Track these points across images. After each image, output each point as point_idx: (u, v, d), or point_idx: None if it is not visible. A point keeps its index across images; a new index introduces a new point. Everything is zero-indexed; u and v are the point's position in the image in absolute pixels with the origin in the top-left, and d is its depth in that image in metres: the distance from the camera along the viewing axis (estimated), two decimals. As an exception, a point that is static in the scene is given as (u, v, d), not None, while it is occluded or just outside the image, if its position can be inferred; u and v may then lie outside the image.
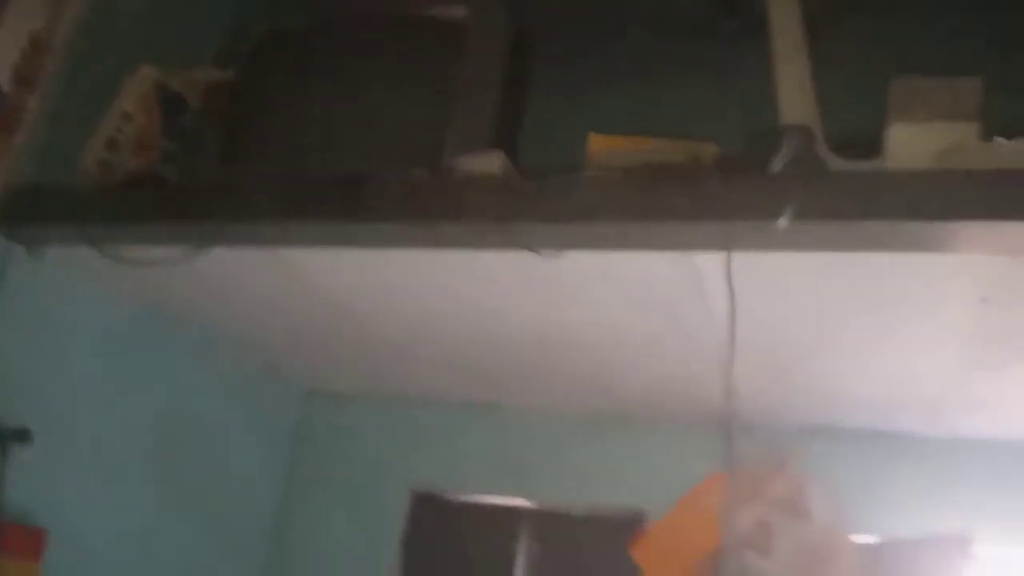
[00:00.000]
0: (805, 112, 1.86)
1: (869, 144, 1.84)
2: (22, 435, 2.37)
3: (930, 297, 2.09)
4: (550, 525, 3.94)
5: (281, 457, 4.18)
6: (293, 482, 4.18)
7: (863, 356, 2.67)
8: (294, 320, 3.05)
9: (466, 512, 4.03)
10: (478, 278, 2.33)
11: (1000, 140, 1.71)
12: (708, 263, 1.84)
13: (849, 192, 1.64)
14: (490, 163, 1.88)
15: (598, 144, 1.90)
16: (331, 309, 2.84)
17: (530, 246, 1.79)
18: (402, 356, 3.43)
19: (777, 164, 1.71)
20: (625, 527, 3.69)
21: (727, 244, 1.65)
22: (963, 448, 3.41)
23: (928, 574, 3.05)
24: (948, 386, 2.84)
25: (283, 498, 4.16)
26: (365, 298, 2.69)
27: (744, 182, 1.64)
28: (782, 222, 1.58)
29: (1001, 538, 3.22)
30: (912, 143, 1.75)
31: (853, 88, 2.31)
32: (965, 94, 1.77)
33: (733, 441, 3.53)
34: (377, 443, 4.17)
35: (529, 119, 2.30)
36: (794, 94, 1.97)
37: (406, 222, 1.86)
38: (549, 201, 1.78)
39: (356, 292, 2.64)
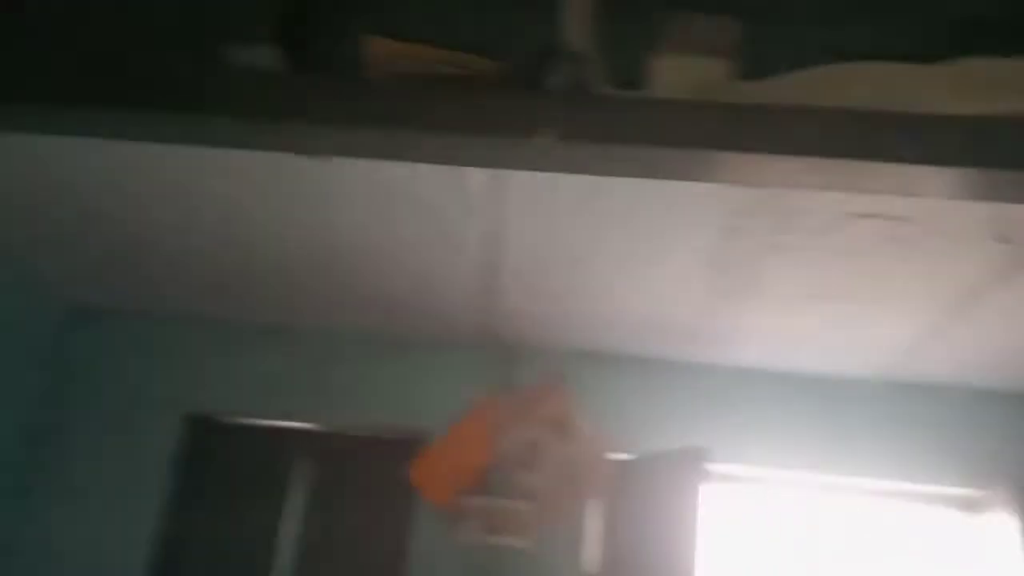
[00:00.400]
0: (582, 37, 1.91)
1: (641, 77, 1.93)
2: None
3: (681, 225, 2.25)
4: (329, 447, 3.95)
5: (36, 377, 3.89)
6: (51, 404, 3.90)
7: (624, 282, 2.84)
8: (43, 225, 2.81)
9: (243, 435, 3.95)
10: (245, 181, 2.24)
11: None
12: (477, 179, 1.87)
13: (611, 117, 1.71)
14: (263, 57, 1.79)
15: (378, 49, 1.86)
16: (84, 212, 2.64)
17: (300, 149, 1.74)
18: (171, 273, 3.26)
19: (549, 85, 1.75)
20: (404, 448, 3.77)
21: (494, 160, 1.68)
22: (709, 374, 3.75)
23: (669, 485, 3.34)
24: (698, 315, 3.10)
25: (40, 421, 3.88)
26: (122, 201, 2.52)
27: (513, 100, 1.67)
28: (544, 141, 1.63)
29: (733, 454, 3.59)
30: (674, 75, 1.85)
31: (632, 21, 2.39)
32: (724, 31, 1.89)
33: (507, 363, 3.68)
34: (148, 365, 3.97)
35: (316, 18, 2.21)
36: (575, 19, 2.02)
37: (165, 113, 1.74)
38: (321, 103, 1.72)
39: (110, 192, 2.47)
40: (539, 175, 1.94)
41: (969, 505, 3.73)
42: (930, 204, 2.15)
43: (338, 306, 3.49)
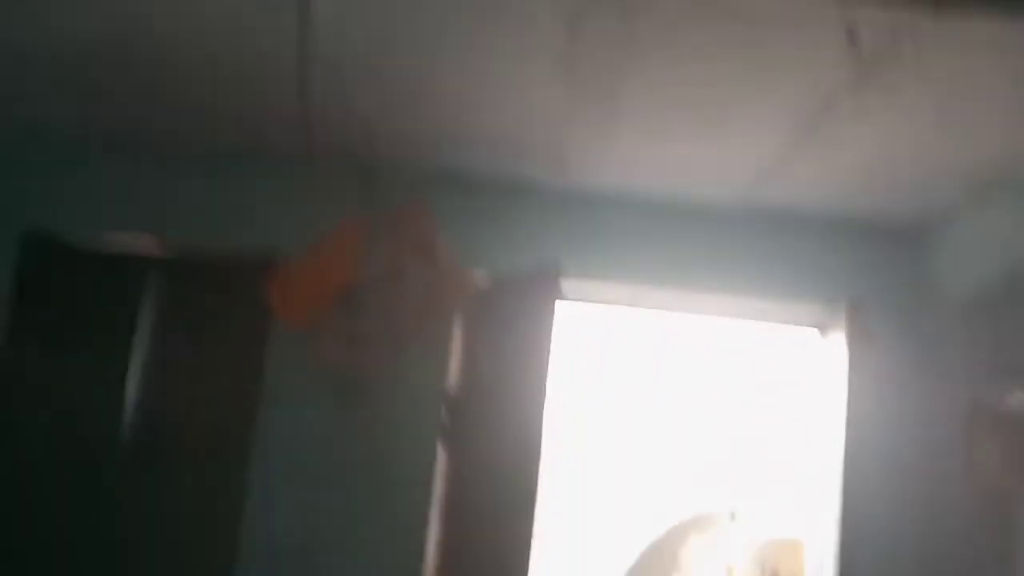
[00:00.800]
0: None
1: None
2: None
3: (522, 14, 2.10)
4: (179, 271, 3.77)
5: None
6: None
7: (472, 85, 2.69)
8: None
9: (88, 259, 3.72)
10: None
11: None
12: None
13: None
14: None
15: None
16: None
17: None
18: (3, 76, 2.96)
19: None
20: (258, 269, 3.63)
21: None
22: (568, 198, 3.68)
23: (523, 305, 3.34)
24: (554, 131, 3.00)
25: None
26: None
27: None
28: None
29: (590, 279, 3.63)
30: None
31: None
32: None
33: (366, 184, 3.54)
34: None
35: None
36: None
37: None
38: None
39: None
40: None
41: (816, 326, 3.90)
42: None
43: (183, 116, 3.23)
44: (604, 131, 2.93)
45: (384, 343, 3.60)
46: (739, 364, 4.96)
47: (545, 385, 3.27)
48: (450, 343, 3.74)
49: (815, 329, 3.93)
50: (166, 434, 3.68)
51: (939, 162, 3.06)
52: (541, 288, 3.27)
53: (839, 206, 3.60)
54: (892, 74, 2.37)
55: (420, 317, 3.58)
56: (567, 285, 3.34)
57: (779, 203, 3.64)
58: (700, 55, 2.33)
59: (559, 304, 3.32)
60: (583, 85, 2.54)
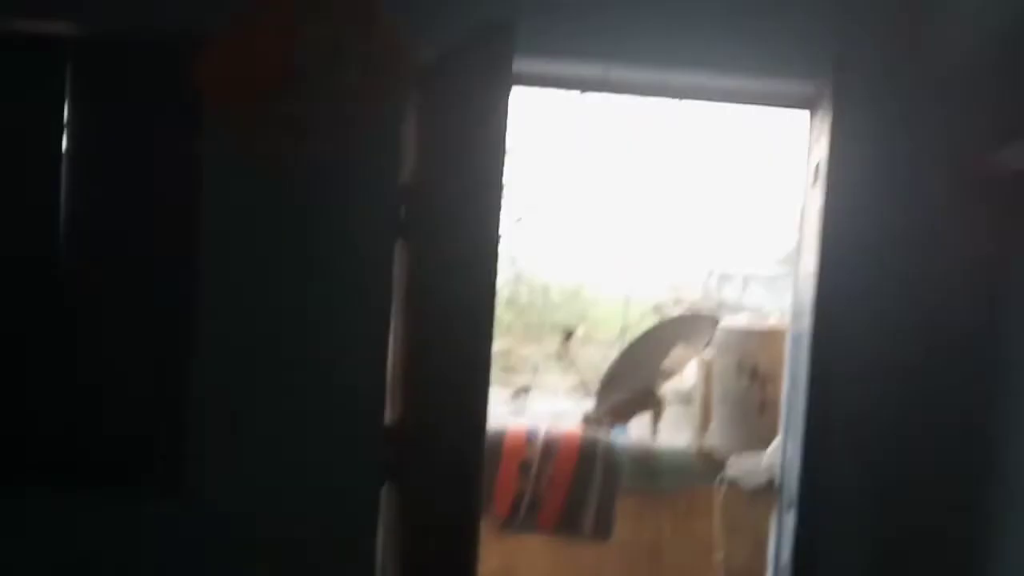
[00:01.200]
0: None
1: None
2: None
3: None
4: (99, 54, 3.42)
5: None
6: None
7: None
8: None
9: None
10: None
11: None
12: None
13: None
14: None
15: None
16: None
17: None
18: None
19: None
20: (184, 50, 3.28)
21: None
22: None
23: (477, 75, 3.01)
24: None
25: None
26: None
27: None
28: None
29: (553, 52, 3.29)
30: None
31: None
32: None
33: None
34: None
35: None
36: None
37: None
38: None
39: None
40: None
41: (805, 106, 3.59)
42: None
43: None
44: None
45: (329, 129, 3.31)
46: (723, 150, 4.67)
47: (502, 169, 3.01)
48: (401, 132, 3.46)
49: (804, 110, 3.61)
50: (106, 230, 3.47)
51: None
52: (493, 59, 2.93)
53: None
54: None
55: (365, 98, 3.27)
56: (522, 65, 2.99)
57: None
58: None
59: (515, 90, 2.99)
60: None
